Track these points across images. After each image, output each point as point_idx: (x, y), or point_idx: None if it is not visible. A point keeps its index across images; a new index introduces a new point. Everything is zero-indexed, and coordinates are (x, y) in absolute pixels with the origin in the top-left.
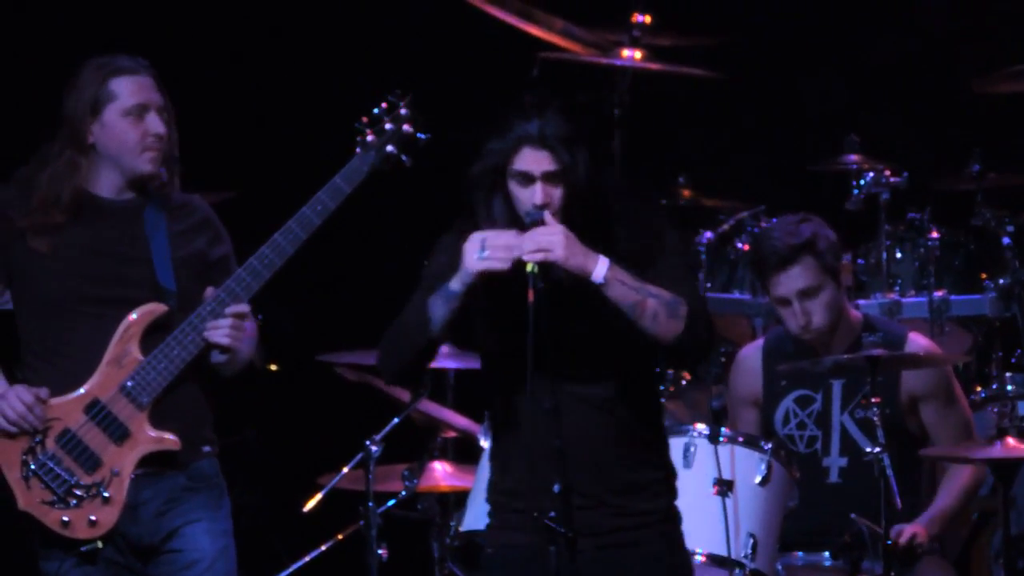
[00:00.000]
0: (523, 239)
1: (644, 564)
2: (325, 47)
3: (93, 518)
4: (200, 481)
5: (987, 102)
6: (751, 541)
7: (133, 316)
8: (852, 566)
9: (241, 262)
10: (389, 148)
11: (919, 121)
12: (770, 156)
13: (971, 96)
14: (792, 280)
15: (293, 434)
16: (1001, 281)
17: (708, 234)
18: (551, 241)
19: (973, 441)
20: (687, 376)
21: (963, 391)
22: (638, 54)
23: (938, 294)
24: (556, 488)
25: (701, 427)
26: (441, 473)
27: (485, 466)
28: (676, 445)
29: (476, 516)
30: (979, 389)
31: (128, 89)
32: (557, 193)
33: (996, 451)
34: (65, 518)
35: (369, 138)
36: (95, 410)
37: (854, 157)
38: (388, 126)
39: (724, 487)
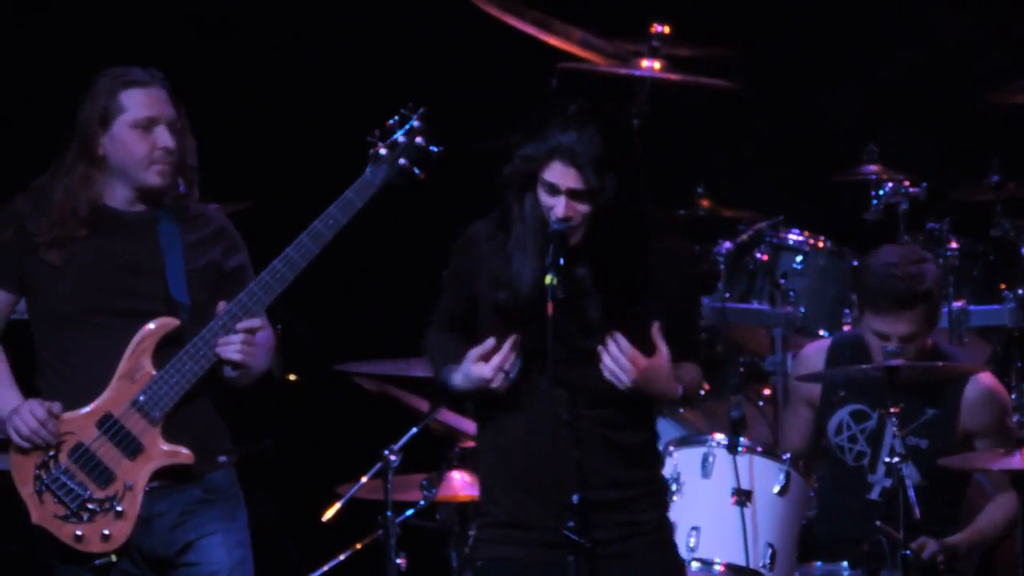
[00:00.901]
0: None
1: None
2: (342, 58)
3: (106, 532)
4: (215, 493)
5: (1005, 112)
6: (770, 551)
7: (146, 330)
8: None
9: (258, 273)
10: (402, 161)
11: (938, 132)
12: (789, 166)
13: (989, 106)
14: (899, 324)
15: (312, 444)
16: (1020, 291)
17: (727, 244)
18: (622, 372)
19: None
20: (705, 387)
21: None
22: (657, 64)
23: (957, 304)
24: (575, 499)
25: (720, 437)
26: (460, 483)
27: None
28: (694, 455)
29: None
30: (1010, 418)
31: (138, 102)
32: (582, 209)
33: (1015, 462)
34: (78, 532)
35: (381, 151)
36: (108, 424)
37: (873, 167)
38: (400, 139)
39: (743, 497)
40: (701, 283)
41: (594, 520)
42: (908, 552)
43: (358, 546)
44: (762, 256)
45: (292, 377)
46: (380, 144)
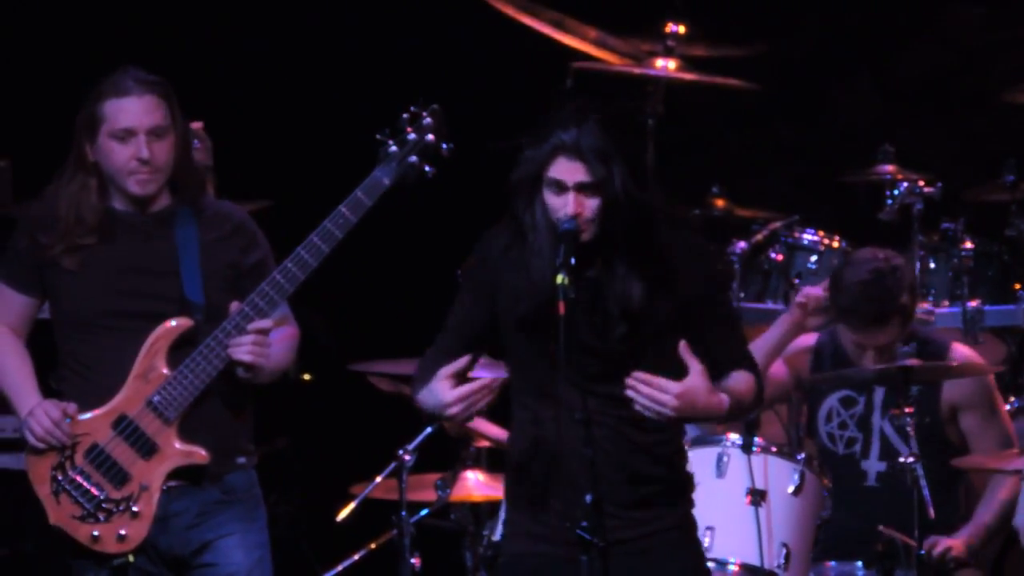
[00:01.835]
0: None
1: (663, 572)
2: (357, 57)
3: (123, 532)
4: (233, 493)
5: (1020, 113)
6: (784, 551)
7: (160, 330)
8: None
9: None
10: (412, 159)
11: (953, 132)
12: (804, 166)
13: (1004, 107)
14: (875, 337)
15: (327, 443)
16: None
17: (741, 244)
18: (660, 407)
19: (1012, 452)
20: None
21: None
22: (672, 64)
23: (972, 304)
24: (588, 498)
25: (734, 437)
26: (474, 483)
27: None
28: (709, 455)
29: (503, 525)
30: (1012, 399)
31: (116, 112)
32: (591, 204)
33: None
34: (95, 532)
35: (391, 149)
36: (123, 425)
37: (888, 167)
38: (411, 136)
39: (757, 497)
40: (726, 274)
41: (611, 519)
42: (923, 552)
43: (372, 546)
44: (776, 256)
45: (307, 377)
46: (390, 142)
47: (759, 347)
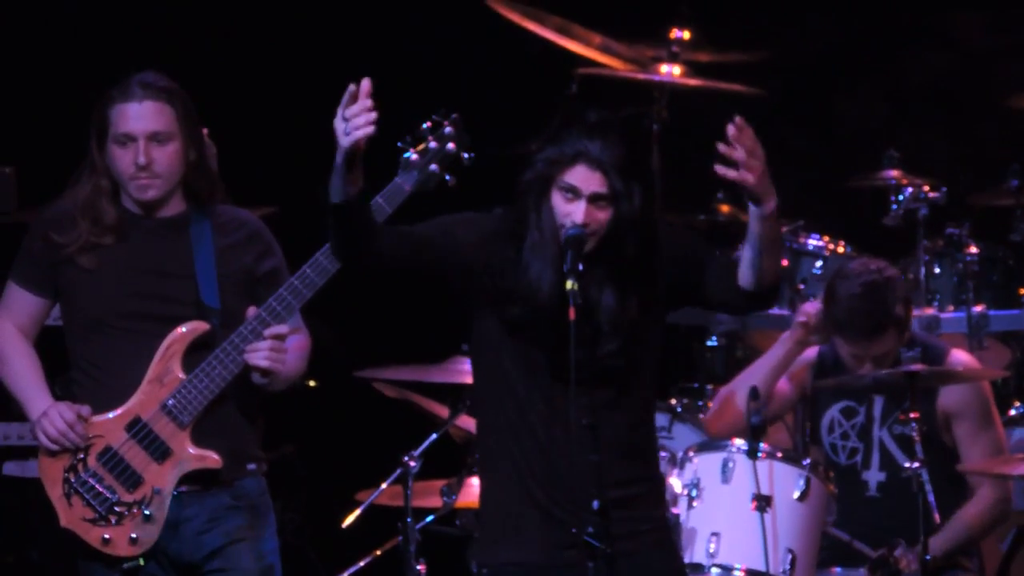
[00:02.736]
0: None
1: (649, 573)
2: (365, 63)
3: (134, 536)
4: (244, 500)
5: None
6: (789, 557)
7: (175, 334)
8: None
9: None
10: (432, 167)
11: (957, 137)
12: (809, 171)
13: (1009, 112)
14: (871, 348)
15: (332, 450)
16: None
17: None
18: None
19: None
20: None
21: (999, 408)
22: (677, 70)
23: (977, 309)
24: (595, 504)
25: (739, 443)
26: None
27: None
28: (714, 460)
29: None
30: (1017, 404)
31: (118, 117)
32: (600, 216)
33: None
34: (106, 535)
35: (412, 157)
36: (136, 428)
37: (893, 172)
38: (432, 145)
39: (763, 502)
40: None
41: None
42: (928, 558)
43: (378, 552)
44: (782, 261)
45: (312, 383)
46: (411, 150)
47: (763, 366)
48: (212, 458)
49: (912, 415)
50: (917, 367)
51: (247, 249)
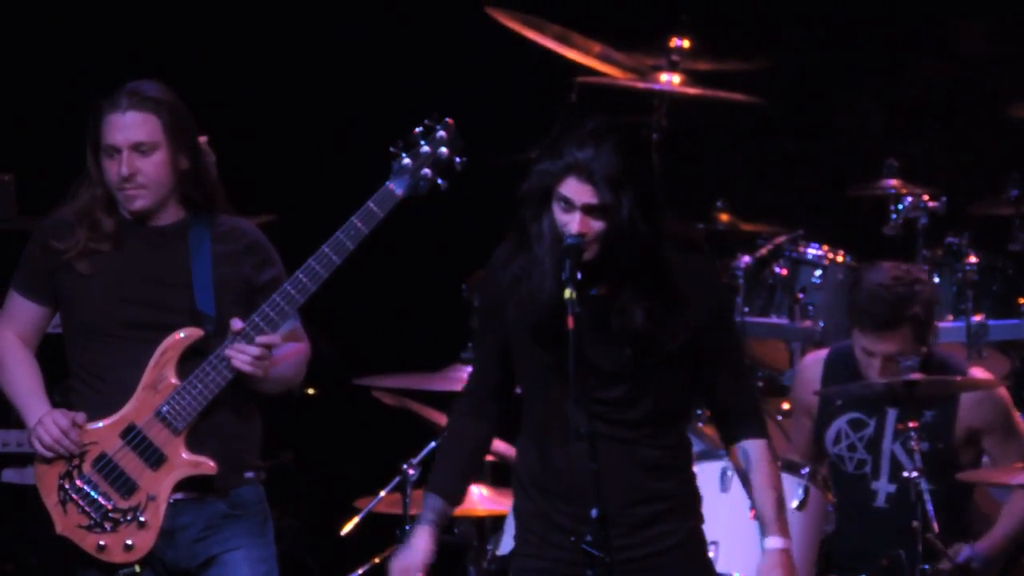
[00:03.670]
0: None
1: None
2: (364, 71)
3: (129, 542)
4: (241, 508)
5: None
6: None
7: (170, 340)
8: None
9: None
10: (424, 172)
11: (957, 146)
12: (808, 180)
13: (1009, 121)
14: (884, 343)
15: (331, 458)
16: None
17: (746, 258)
18: None
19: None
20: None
21: None
22: (676, 78)
23: (976, 319)
24: (594, 513)
25: None
26: (478, 497)
27: None
28: (713, 470)
29: (513, 540)
30: (1018, 415)
31: (105, 128)
32: (597, 225)
33: None
34: (101, 542)
35: (404, 162)
36: (131, 435)
37: (892, 182)
38: (424, 149)
39: None
40: (732, 302)
41: (618, 536)
42: (927, 567)
43: (376, 560)
44: (781, 270)
45: (311, 391)
46: (403, 154)
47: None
48: (207, 464)
49: (911, 424)
50: (916, 376)
51: (246, 259)
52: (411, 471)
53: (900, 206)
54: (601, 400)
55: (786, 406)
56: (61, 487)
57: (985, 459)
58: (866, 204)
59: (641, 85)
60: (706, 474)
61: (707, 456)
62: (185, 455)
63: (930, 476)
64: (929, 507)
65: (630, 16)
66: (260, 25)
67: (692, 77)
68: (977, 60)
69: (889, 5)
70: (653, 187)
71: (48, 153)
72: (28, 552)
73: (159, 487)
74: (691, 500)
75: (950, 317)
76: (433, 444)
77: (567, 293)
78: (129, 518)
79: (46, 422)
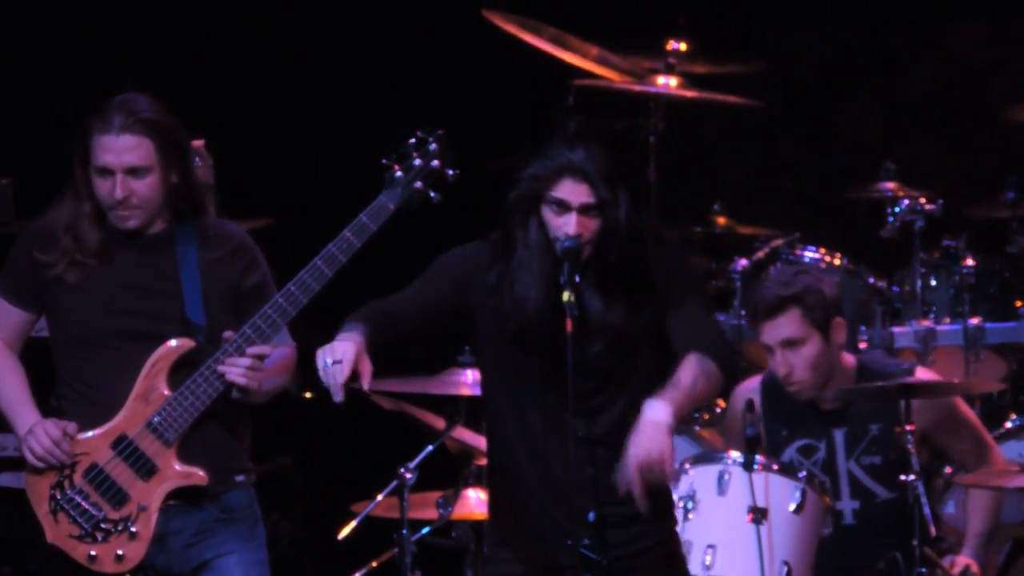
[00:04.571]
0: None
1: None
2: (361, 76)
3: (120, 553)
4: (232, 512)
5: (1021, 130)
6: (785, 569)
7: (160, 351)
8: None
9: (279, 291)
10: (417, 184)
11: (954, 149)
12: (805, 183)
13: (1005, 124)
14: (776, 329)
15: (328, 462)
16: None
17: (743, 261)
18: (656, 455)
19: (993, 453)
20: (721, 404)
21: (995, 421)
22: (673, 81)
23: (973, 322)
24: (591, 516)
25: (735, 455)
26: (475, 501)
27: None
28: (710, 473)
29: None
30: (1014, 417)
31: (98, 149)
32: (592, 225)
33: None
34: (92, 552)
35: (396, 174)
36: (122, 446)
37: (889, 185)
38: (416, 162)
39: (758, 515)
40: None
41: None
42: (923, 570)
43: (374, 564)
44: None
45: (308, 395)
46: (396, 167)
47: None
48: (198, 475)
49: (908, 427)
50: (911, 380)
51: (232, 263)
52: (408, 475)
53: (897, 209)
54: (583, 399)
55: None
56: (52, 497)
57: None
58: (863, 207)
59: (638, 88)
60: (703, 477)
61: (704, 459)
62: (177, 466)
63: (889, 486)
64: (927, 510)
65: (627, 19)
66: (258, 30)
67: (689, 80)
68: (974, 63)
69: (886, 8)
70: (641, 183)
71: (46, 157)
72: (25, 556)
73: (150, 497)
74: (665, 501)
75: (947, 320)
76: (430, 448)
77: (566, 296)
78: (120, 528)
79: (37, 432)
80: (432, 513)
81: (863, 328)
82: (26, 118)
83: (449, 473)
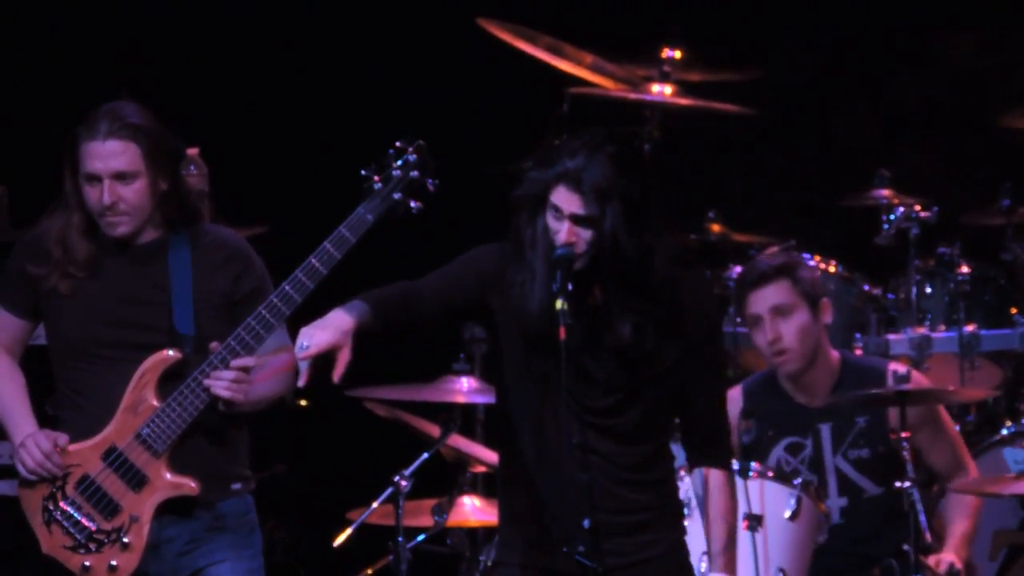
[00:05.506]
0: None
1: None
2: (355, 83)
3: (113, 563)
4: (226, 520)
5: (1016, 137)
6: None
7: (148, 362)
8: None
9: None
10: (396, 195)
11: (949, 156)
12: (800, 191)
13: (1000, 131)
14: (766, 298)
15: (324, 469)
16: None
17: (738, 269)
18: None
19: (966, 460)
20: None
21: (990, 428)
22: (668, 89)
23: (968, 329)
24: (586, 523)
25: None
26: (471, 508)
27: None
28: None
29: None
30: (1009, 424)
31: (86, 156)
32: (585, 235)
33: None
34: (86, 563)
35: (376, 185)
36: (112, 457)
37: (884, 192)
38: (395, 172)
39: (754, 522)
40: (720, 319)
41: (604, 546)
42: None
43: (369, 571)
44: None
45: (303, 402)
46: (376, 178)
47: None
48: (189, 485)
49: (903, 434)
50: (906, 387)
51: (225, 271)
52: (403, 483)
53: (892, 216)
54: (591, 410)
55: None
56: (45, 508)
57: None
58: (858, 214)
59: (633, 96)
60: (699, 484)
61: None
62: (168, 476)
63: (876, 481)
64: (922, 517)
65: (622, 27)
66: (252, 37)
67: (684, 88)
68: (968, 71)
69: (880, 16)
70: (643, 201)
71: (42, 166)
72: (22, 564)
73: (142, 508)
74: (674, 511)
75: (942, 327)
76: (426, 455)
77: (558, 304)
78: (113, 539)
79: (29, 445)
80: (427, 520)
81: (858, 335)
82: (22, 127)
83: (444, 480)
